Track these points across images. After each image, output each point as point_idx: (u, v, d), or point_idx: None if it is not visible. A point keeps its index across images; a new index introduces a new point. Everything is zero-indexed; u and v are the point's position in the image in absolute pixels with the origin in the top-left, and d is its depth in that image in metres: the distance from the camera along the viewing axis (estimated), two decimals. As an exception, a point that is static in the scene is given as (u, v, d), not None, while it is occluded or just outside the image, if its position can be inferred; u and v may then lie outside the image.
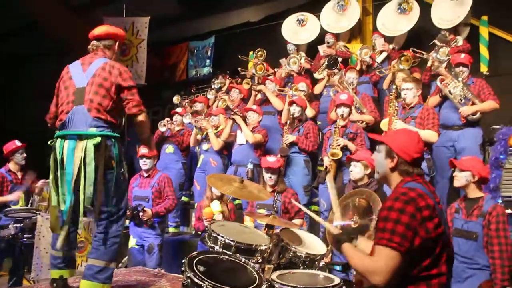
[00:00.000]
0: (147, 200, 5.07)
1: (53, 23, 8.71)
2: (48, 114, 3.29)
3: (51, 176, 3.10)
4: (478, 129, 5.00)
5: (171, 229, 6.50)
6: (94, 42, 3.23)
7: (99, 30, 3.26)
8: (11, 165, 5.52)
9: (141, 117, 3.16)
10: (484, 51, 6.36)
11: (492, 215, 3.49)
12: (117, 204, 3.12)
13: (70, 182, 2.97)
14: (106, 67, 3.07)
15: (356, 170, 4.24)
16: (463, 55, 5.25)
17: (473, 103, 4.91)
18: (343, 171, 5.03)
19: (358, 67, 6.34)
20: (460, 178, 3.67)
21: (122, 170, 3.13)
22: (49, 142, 3.13)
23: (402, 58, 5.65)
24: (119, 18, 8.71)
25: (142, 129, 3.25)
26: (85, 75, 3.08)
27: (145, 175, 5.21)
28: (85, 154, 2.94)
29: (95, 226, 3.34)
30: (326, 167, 5.12)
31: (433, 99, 5.32)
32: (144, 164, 5.16)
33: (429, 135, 4.67)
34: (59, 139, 3.06)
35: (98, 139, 2.97)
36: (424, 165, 4.70)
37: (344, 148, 5.04)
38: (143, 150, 5.19)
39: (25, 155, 5.57)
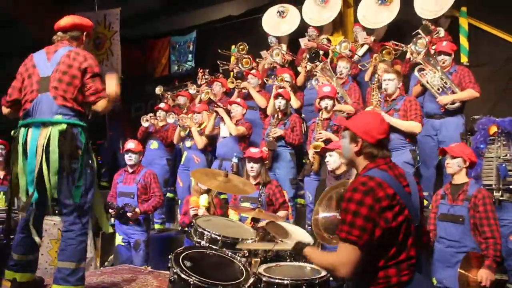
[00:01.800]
0: (132, 196, 5.03)
1: (25, 20, 8.56)
2: (4, 96, 3.13)
3: (14, 168, 2.98)
4: (459, 117, 5.05)
5: (156, 226, 6.47)
6: (59, 33, 3.14)
7: (64, 21, 3.16)
8: None
9: (99, 106, 3.00)
10: (464, 41, 6.44)
11: (478, 198, 3.57)
12: (83, 197, 2.96)
13: (33, 173, 2.86)
14: (71, 55, 2.99)
15: (332, 159, 4.27)
16: (445, 43, 5.29)
17: (453, 92, 4.95)
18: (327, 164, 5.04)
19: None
20: (453, 165, 3.73)
21: (90, 161, 3.01)
22: (12, 133, 3.02)
23: (384, 51, 5.69)
24: (90, 12, 8.57)
25: (104, 111, 3.10)
26: (50, 63, 2.99)
27: (130, 170, 5.16)
28: (49, 142, 2.82)
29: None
30: (309, 160, 5.15)
31: (416, 88, 5.37)
32: (130, 159, 5.10)
33: (412, 126, 4.71)
34: (22, 128, 2.96)
35: (64, 126, 2.87)
36: (409, 156, 4.76)
37: (328, 141, 5.05)
38: (129, 144, 5.15)
39: (1, 151, 5.42)
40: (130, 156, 5.10)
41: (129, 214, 4.91)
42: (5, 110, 3.16)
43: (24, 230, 3.10)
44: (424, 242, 2.28)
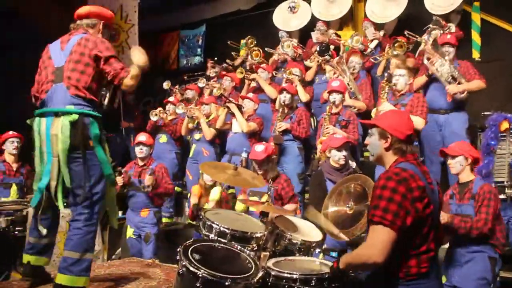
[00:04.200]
0: (145, 188, 5.04)
1: (33, 10, 8.54)
2: (33, 88, 3.16)
3: (35, 155, 3.00)
4: (464, 113, 5.01)
5: (164, 220, 6.46)
6: (77, 21, 3.14)
7: (81, 9, 3.16)
8: (6, 156, 5.45)
9: (125, 85, 2.99)
10: (476, 37, 6.36)
11: (480, 194, 3.53)
12: (92, 188, 2.94)
13: (50, 162, 2.86)
14: (82, 42, 2.96)
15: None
16: (449, 36, 5.23)
17: (459, 83, 4.89)
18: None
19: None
20: (455, 165, 3.69)
21: (103, 152, 2.99)
22: (27, 121, 3.03)
23: (396, 44, 5.62)
24: None
25: (132, 88, 3.08)
26: (63, 53, 2.98)
27: (141, 163, 5.16)
28: (62, 131, 2.82)
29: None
30: (317, 154, 5.12)
31: (419, 80, 5.25)
32: (141, 151, 5.12)
33: (416, 121, 4.68)
34: (37, 118, 2.97)
35: (75, 116, 2.85)
36: None
37: None
38: (141, 137, 5.15)
39: (16, 144, 5.48)
40: (141, 149, 5.11)
41: (146, 179, 4.91)
42: (33, 99, 3.18)
43: (38, 213, 3.09)
44: (440, 238, 2.32)
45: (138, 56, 3.14)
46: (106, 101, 3.15)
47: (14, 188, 5.38)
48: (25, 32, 9.09)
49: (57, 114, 2.88)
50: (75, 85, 2.90)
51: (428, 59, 5.04)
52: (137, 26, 8.54)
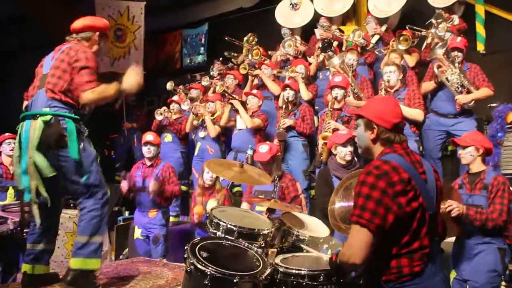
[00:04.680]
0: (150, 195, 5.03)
1: (41, 15, 8.57)
2: (26, 93, 3.30)
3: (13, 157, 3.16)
4: (472, 118, 4.96)
5: (171, 219, 6.47)
6: (73, 34, 3.25)
7: (76, 23, 3.26)
8: (3, 158, 5.40)
9: (83, 99, 3.04)
10: (480, 29, 6.33)
11: (494, 185, 3.48)
12: (86, 177, 3.05)
13: (24, 163, 2.98)
14: (66, 50, 3.09)
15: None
16: (458, 38, 5.17)
17: (469, 91, 4.82)
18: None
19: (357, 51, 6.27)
20: (465, 155, 3.64)
21: (81, 146, 3.04)
22: (16, 128, 3.14)
23: (401, 38, 5.59)
24: (112, 1, 8.57)
25: (97, 102, 3.14)
26: (52, 61, 3.12)
27: (148, 163, 5.15)
28: (34, 132, 2.94)
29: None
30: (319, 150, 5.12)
31: (427, 85, 5.18)
32: (149, 151, 5.10)
33: (415, 113, 4.67)
34: (21, 122, 3.10)
35: (48, 117, 2.96)
36: (414, 146, 4.71)
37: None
38: (148, 136, 5.14)
39: (13, 146, 5.37)
40: (149, 148, 5.10)
41: (151, 185, 4.91)
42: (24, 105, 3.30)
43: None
44: (440, 232, 2.20)
45: (131, 80, 3.16)
46: (87, 108, 3.21)
47: (10, 191, 5.31)
48: (32, 37, 9.15)
49: (34, 117, 3.00)
50: (51, 89, 3.02)
51: (439, 66, 4.95)
52: (143, 28, 8.55)
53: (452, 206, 3.29)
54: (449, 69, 4.86)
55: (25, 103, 3.25)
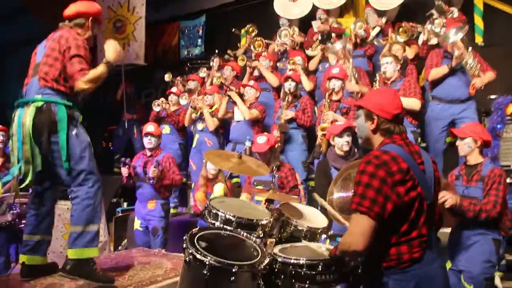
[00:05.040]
0: (150, 180, 5.03)
1: (41, 7, 8.51)
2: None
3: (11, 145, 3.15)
4: (474, 107, 4.99)
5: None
6: (66, 21, 3.24)
7: (69, 10, 3.25)
8: None
9: (78, 86, 3.03)
10: (479, 21, 6.32)
11: (490, 177, 3.49)
12: (78, 164, 3.04)
13: (21, 148, 2.99)
14: (57, 38, 3.09)
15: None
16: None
17: (478, 75, 4.81)
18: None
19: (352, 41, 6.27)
20: (463, 146, 3.65)
21: (74, 132, 3.05)
22: (13, 115, 3.14)
23: (400, 30, 5.57)
24: None
25: (91, 88, 3.12)
26: (44, 49, 3.13)
27: (149, 154, 5.16)
28: (26, 118, 2.96)
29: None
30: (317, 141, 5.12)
31: (438, 71, 5.03)
32: (149, 142, 5.11)
33: (411, 102, 4.67)
34: (14, 110, 3.12)
35: (39, 103, 2.98)
36: (410, 136, 4.70)
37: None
38: (149, 127, 5.15)
39: (1, 138, 5.33)
40: (150, 140, 5.11)
41: (151, 171, 4.92)
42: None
43: (31, 208, 3.21)
44: (436, 221, 2.25)
45: (111, 51, 3.14)
46: (80, 96, 3.21)
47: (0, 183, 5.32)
48: (32, 29, 9.07)
49: (27, 104, 3.02)
50: (43, 77, 3.04)
51: (458, 49, 4.84)
52: (144, 19, 8.50)
53: (445, 197, 3.30)
54: (468, 53, 4.82)
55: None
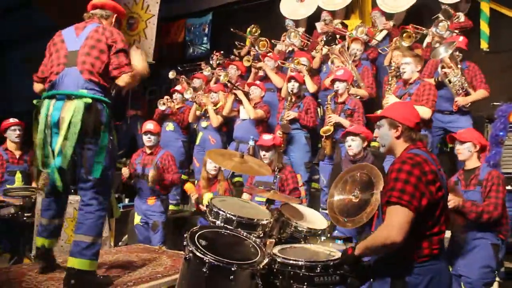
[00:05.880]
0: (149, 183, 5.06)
1: (47, 1, 8.54)
2: (36, 73, 3.15)
3: (37, 137, 2.92)
4: (468, 117, 5.00)
5: (171, 207, 6.49)
6: (91, 11, 3.17)
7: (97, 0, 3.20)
8: (8, 144, 5.49)
9: (121, 80, 2.97)
10: (484, 27, 6.30)
11: (488, 180, 3.51)
12: (103, 173, 2.91)
13: (55, 144, 2.84)
14: (100, 30, 2.99)
15: (355, 144, 4.26)
16: (461, 38, 5.14)
17: (467, 93, 4.86)
18: (340, 148, 5.01)
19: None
20: (463, 151, 3.68)
21: (111, 137, 2.98)
22: (34, 101, 2.99)
23: (404, 35, 5.56)
24: None
25: (132, 85, 3.10)
26: (78, 38, 2.99)
27: (148, 151, 5.20)
28: (74, 114, 2.79)
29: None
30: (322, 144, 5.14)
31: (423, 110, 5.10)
32: (149, 140, 5.15)
33: (421, 111, 4.62)
34: (46, 100, 2.92)
35: (89, 100, 2.83)
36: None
37: (338, 125, 5.03)
38: (148, 125, 5.18)
39: (18, 132, 5.50)
40: (149, 137, 5.14)
41: (150, 174, 4.95)
42: (37, 87, 3.16)
43: (51, 193, 3.13)
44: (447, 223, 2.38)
45: (138, 61, 3.10)
46: (113, 91, 3.18)
47: (18, 175, 5.44)
48: (37, 23, 9.11)
49: (69, 97, 2.85)
50: (89, 69, 2.90)
51: (443, 67, 4.91)
52: (157, 17, 8.51)
53: (448, 199, 3.31)
54: (452, 71, 4.87)
55: (36, 85, 3.14)
